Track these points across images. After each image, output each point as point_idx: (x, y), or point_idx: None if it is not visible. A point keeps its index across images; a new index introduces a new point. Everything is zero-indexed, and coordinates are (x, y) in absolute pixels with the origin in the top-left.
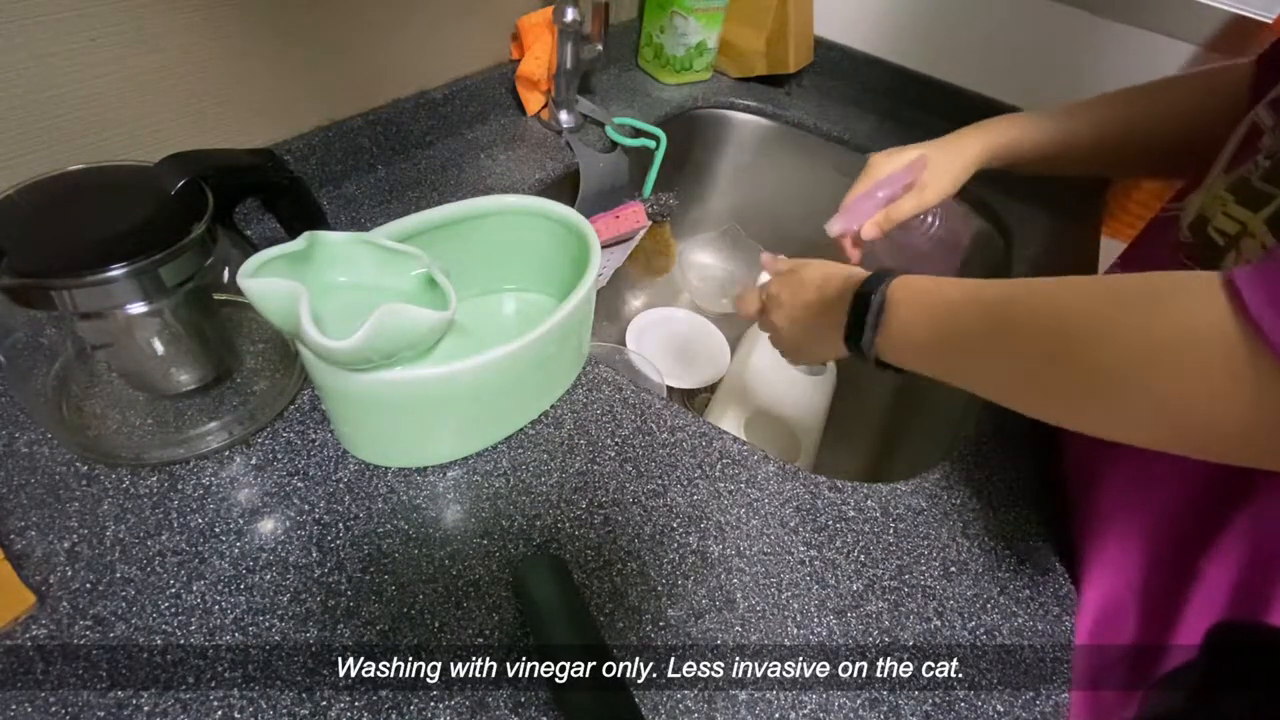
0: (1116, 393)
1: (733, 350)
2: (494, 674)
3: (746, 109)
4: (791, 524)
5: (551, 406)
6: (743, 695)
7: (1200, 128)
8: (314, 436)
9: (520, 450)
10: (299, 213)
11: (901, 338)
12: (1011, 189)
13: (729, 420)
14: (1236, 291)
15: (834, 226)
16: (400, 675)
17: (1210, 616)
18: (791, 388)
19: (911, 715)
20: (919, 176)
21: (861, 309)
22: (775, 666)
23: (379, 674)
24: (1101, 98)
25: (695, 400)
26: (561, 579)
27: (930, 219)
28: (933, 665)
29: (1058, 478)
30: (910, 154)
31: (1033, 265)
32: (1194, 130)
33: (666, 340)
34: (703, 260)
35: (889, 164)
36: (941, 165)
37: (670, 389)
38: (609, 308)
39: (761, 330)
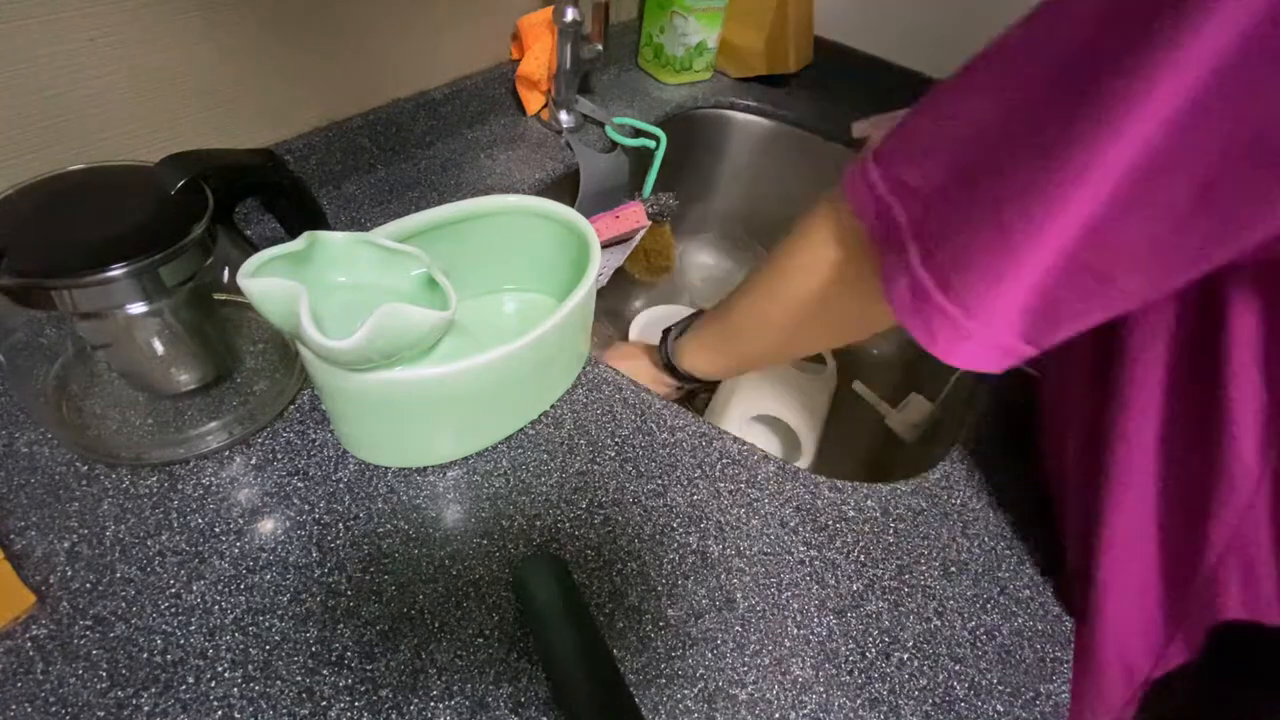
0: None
1: None
2: (494, 674)
3: (746, 109)
4: (791, 524)
5: (551, 406)
6: (743, 695)
7: None
8: (314, 436)
9: (520, 450)
10: (299, 213)
11: (696, 366)
12: None
13: (730, 420)
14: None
15: (858, 128)
16: (400, 675)
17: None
18: (791, 387)
19: (911, 715)
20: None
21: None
22: (775, 666)
23: (379, 674)
24: None
25: (695, 400)
26: (561, 579)
27: None
28: (933, 665)
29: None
30: None
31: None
32: None
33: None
34: (703, 260)
35: None
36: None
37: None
38: (609, 308)
39: None
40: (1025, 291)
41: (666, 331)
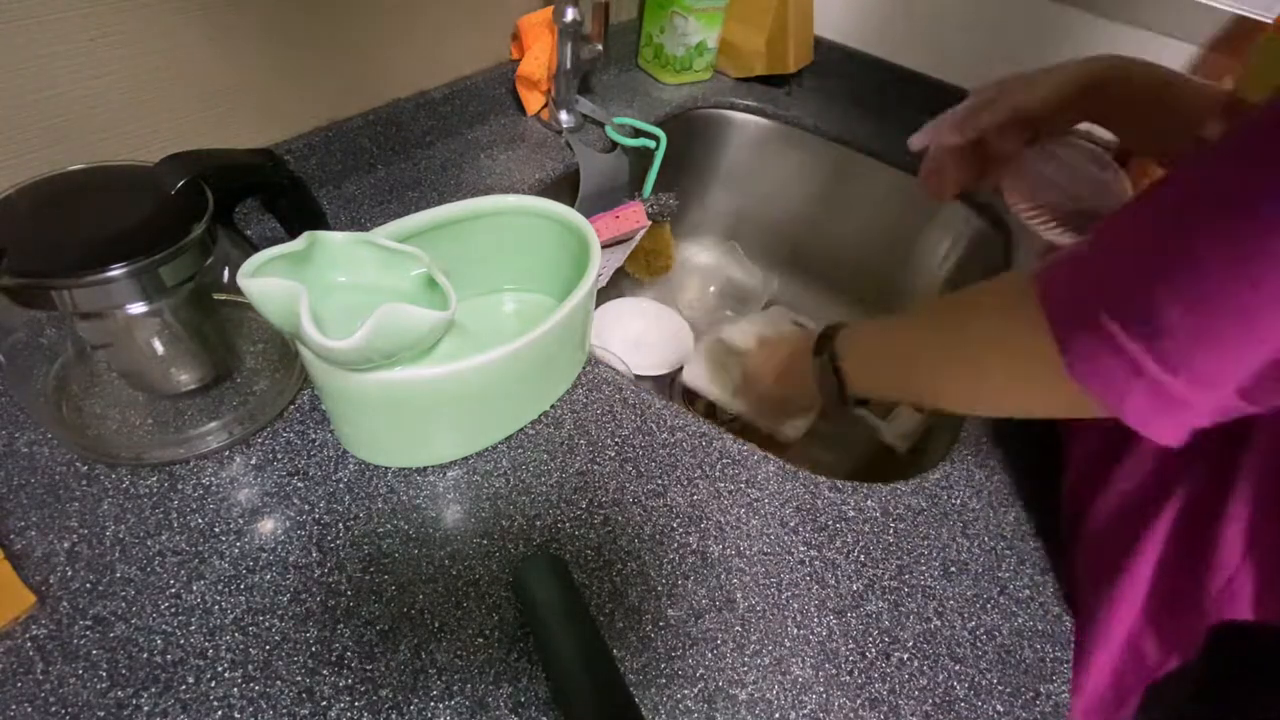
0: (971, 380)
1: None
2: (494, 674)
3: (746, 109)
4: (791, 524)
5: (551, 406)
6: (743, 695)
7: None
8: (314, 436)
9: (520, 450)
10: (299, 213)
11: (857, 384)
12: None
13: (709, 379)
14: (1038, 289)
15: (916, 140)
16: (400, 675)
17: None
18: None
19: (911, 715)
20: (1005, 88)
21: (822, 368)
22: (775, 666)
23: (379, 674)
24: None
25: (696, 403)
26: (561, 579)
27: (1077, 181)
28: (933, 665)
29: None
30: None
31: (1029, 266)
32: None
33: (627, 330)
34: (703, 261)
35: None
36: (1036, 76)
37: (686, 390)
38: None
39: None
40: (1263, 361)
41: (828, 331)
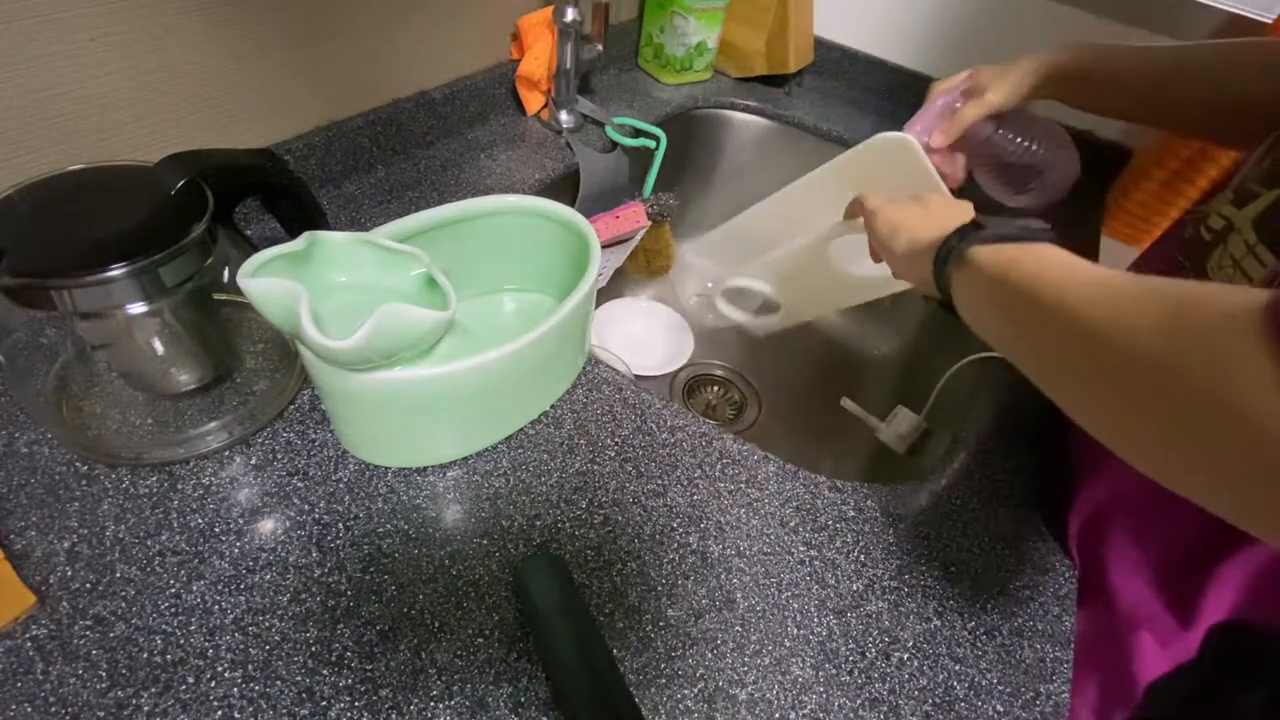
0: (1130, 396)
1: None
2: (494, 674)
3: (746, 109)
4: (791, 524)
5: (551, 406)
6: (743, 695)
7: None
8: (314, 436)
9: (520, 450)
10: (299, 213)
11: (965, 296)
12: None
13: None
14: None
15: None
16: (400, 675)
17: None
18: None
19: (911, 715)
20: (976, 83)
21: (943, 252)
22: (775, 666)
23: (379, 674)
24: (1171, 47)
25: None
26: (561, 579)
27: (1022, 140)
28: (933, 665)
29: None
30: (964, 72)
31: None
32: (1254, 102)
33: (627, 331)
34: (703, 261)
35: (945, 82)
36: (997, 72)
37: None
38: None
39: (868, 213)
40: None
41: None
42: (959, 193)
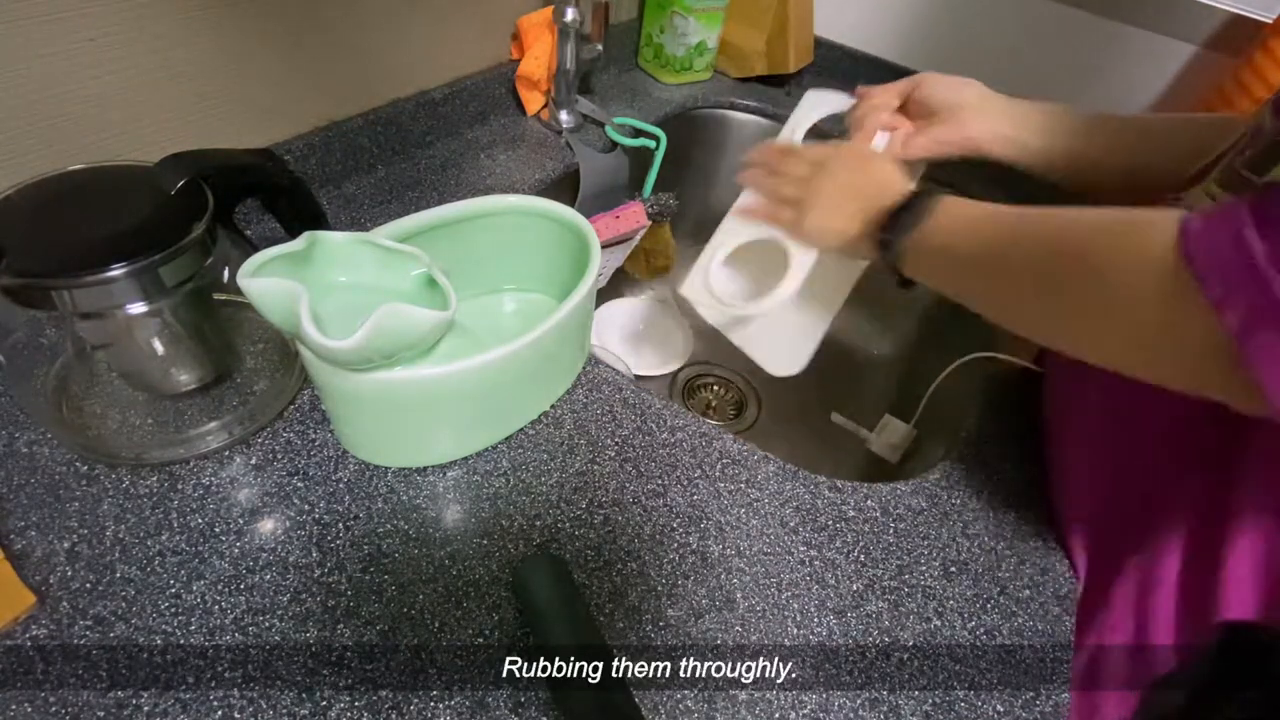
0: (1085, 308)
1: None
2: (494, 674)
3: (746, 109)
4: (791, 524)
5: (551, 406)
6: (743, 695)
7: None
8: (314, 436)
9: (520, 450)
10: (299, 213)
11: (929, 245)
12: (1014, 188)
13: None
14: (1183, 231)
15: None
16: (400, 675)
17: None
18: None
19: (911, 715)
20: (913, 90)
21: (903, 210)
22: (775, 666)
23: (379, 674)
24: (1116, 121)
25: (694, 398)
26: (561, 579)
27: None
28: (933, 665)
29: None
30: (898, 83)
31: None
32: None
33: (627, 331)
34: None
35: (876, 96)
36: (974, 106)
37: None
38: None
39: (779, 185)
40: None
41: (908, 204)
42: None
